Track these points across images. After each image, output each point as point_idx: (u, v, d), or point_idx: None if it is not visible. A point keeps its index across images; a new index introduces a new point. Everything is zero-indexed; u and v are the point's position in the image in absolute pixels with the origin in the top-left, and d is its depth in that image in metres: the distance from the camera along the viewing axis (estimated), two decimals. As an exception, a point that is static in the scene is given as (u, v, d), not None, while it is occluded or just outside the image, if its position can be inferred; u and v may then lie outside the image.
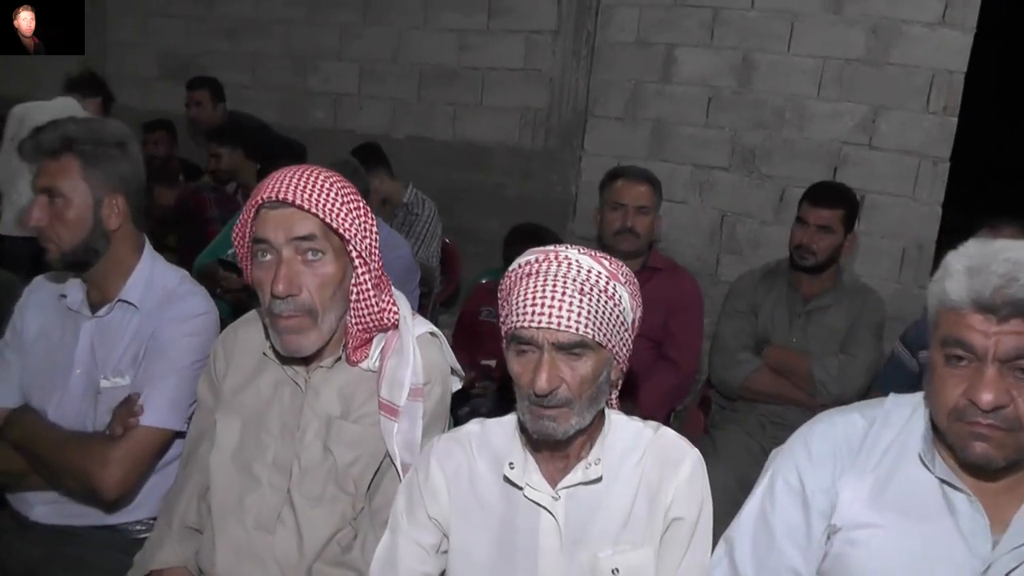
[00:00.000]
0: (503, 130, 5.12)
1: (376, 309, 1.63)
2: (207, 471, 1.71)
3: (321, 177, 1.58)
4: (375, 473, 1.65)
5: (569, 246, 1.49)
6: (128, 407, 1.84)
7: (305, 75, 5.59)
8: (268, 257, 1.55)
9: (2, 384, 1.98)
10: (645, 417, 2.81)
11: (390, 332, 1.67)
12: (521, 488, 1.49)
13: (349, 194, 1.59)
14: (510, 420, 1.58)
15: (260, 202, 1.54)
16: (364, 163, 3.91)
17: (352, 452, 1.64)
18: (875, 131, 4.49)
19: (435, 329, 1.73)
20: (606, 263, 1.47)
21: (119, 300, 1.92)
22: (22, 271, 2.87)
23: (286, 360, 1.66)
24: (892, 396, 1.53)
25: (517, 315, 1.41)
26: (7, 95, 6.51)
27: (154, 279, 1.95)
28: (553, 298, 1.39)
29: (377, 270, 1.64)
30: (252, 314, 1.81)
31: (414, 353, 1.63)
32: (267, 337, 1.66)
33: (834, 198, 3.02)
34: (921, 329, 2.94)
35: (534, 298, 1.40)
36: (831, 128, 4.55)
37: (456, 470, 1.56)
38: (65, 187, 1.82)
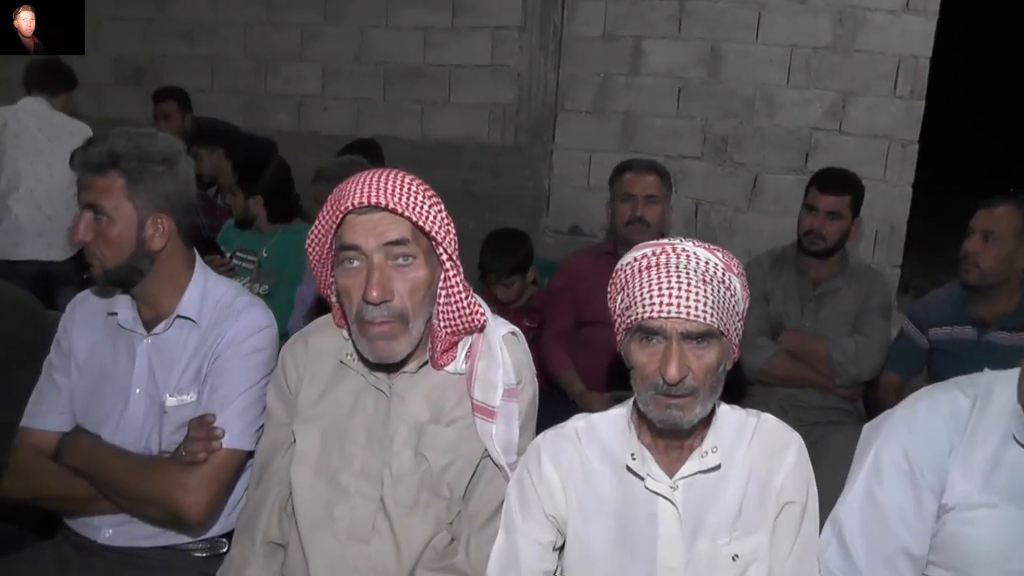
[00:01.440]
0: (472, 127, 5.09)
1: (468, 312, 1.61)
2: (285, 484, 1.68)
3: (406, 179, 1.56)
4: (471, 476, 1.65)
5: (683, 239, 1.52)
6: (207, 430, 1.80)
7: (266, 77, 5.50)
8: (356, 264, 1.53)
9: (53, 408, 1.92)
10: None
11: (474, 334, 1.66)
12: (643, 479, 1.52)
13: (432, 195, 1.58)
14: (618, 414, 1.61)
15: (349, 208, 1.51)
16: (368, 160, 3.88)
17: (447, 456, 1.62)
18: (844, 116, 4.56)
19: (515, 328, 1.72)
20: (719, 254, 1.50)
21: (177, 316, 1.87)
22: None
23: (368, 367, 1.64)
24: (987, 372, 1.53)
25: (643, 306, 1.43)
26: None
27: (209, 293, 1.90)
28: (680, 288, 1.42)
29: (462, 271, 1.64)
30: (321, 322, 1.79)
31: (502, 353, 1.63)
32: (352, 343, 1.63)
33: (842, 184, 3.06)
34: (929, 307, 3.00)
35: (660, 289, 1.43)
36: (801, 115, 4.60)
37: (570, 465, 1.58)
38: (108, 205, 1.78)
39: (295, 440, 1.68)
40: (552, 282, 3.39)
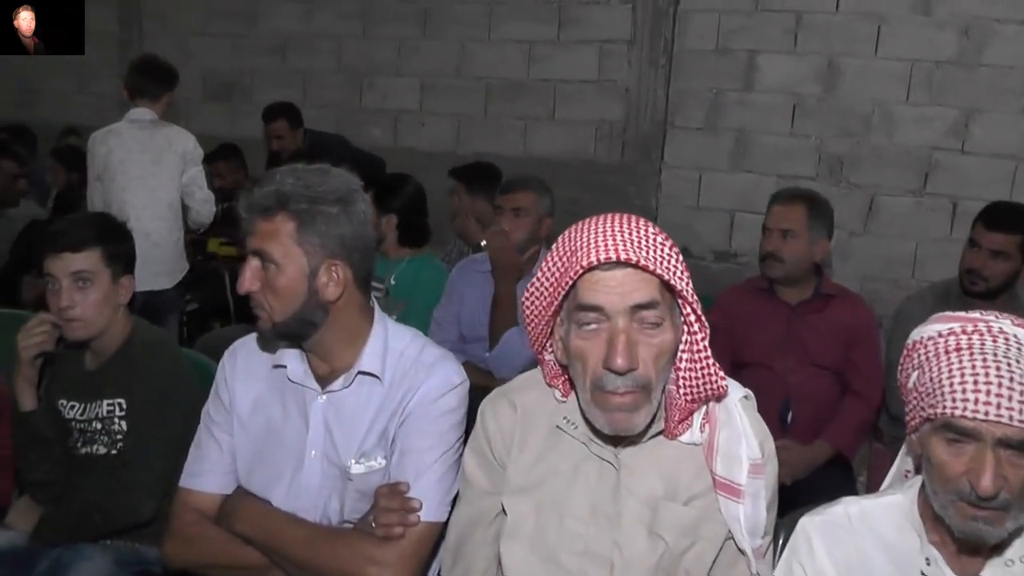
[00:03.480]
0: (577, 144, 5.01)
1: (712, 377, 1.43)
2: (490, 563, 1.54)
3: (649, 229, 1.39)
4: (712, 561, 1.48)
5: (997, 315, 1.36)
6: (401, 500, 1.63)
7: (361, 92, 5.47)
8: (595, 326, 1.36)
9: (215, 468, 1.77)
10: (840, 456, 2.72)
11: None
12: None
13: (673, 245, 1.41)
14: (894, 502, 1.46)
15: (594, 263, 1.33)
16: (485, 184, 3.75)
17: (687, 538, 1.44)
18: (967, 135, 4.42)
19: (748, 392, 1.54)
20: None
21: (358, 372, 1.69)
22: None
23: (595, 435, 1.48)
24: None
25: (953, 400, 1.28)
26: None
27: (390, 345, 1.72)
28: (1000, 385, 1.25)
29: None
30: (526, 380, 1.63)
31: (742, 422, 1.46)
32: (577, 408, 1.47)
33: (1012, 222, 2.86)
34: None
35: (975, 383, 1.26)
36: (921, 133, 4.48)
37: (846, 558, 1.43)
38: (276, 252, 1.60)
39: (505, 513, 1.53)
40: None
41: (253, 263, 1.62)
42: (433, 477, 1.65)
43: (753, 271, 3.26)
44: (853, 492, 2.63)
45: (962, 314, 1.37)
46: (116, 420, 2.11)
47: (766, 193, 4.68)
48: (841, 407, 2.81)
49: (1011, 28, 4.26)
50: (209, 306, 4.65)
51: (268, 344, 1.76)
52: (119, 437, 2.10)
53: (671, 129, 4.85)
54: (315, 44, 5.53)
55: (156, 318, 3.72)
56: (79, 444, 2.14)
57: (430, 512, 1.64)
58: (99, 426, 2.12)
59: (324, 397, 1.71)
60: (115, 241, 2.16)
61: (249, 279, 1.61)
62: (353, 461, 1.69)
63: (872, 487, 2.87)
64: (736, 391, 1.49)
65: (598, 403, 1.38)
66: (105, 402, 2.11)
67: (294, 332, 1.67)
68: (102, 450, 2.12)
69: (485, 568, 1.55)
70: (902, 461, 1.60)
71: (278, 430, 1.74)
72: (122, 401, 2.10)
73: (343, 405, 1.71)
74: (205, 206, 4.06)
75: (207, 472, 1.76)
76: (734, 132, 4.73)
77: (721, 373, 1.43)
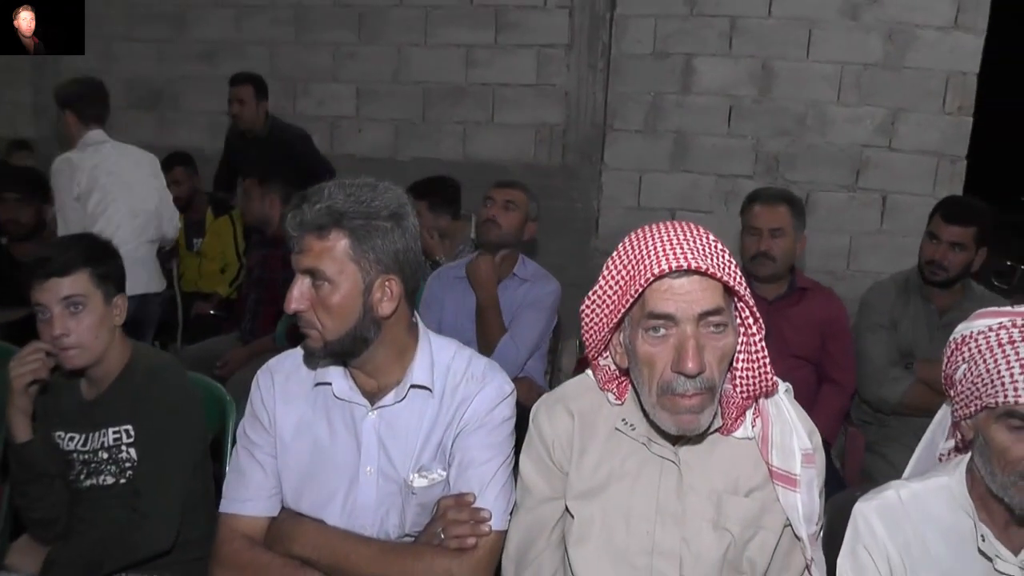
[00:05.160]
0: (517, 147, 5.05)
1: (769, 375, 1.49)
2: (555, 568, 1.57)
3: (710, 236, 1.44)
4: (773, 549, 1.53)
5: None
6: (470, 512, 1.63)
7: (295, 98, 5.39)
8: (663, 332, 1.40)
9: (260, 491, 1.72)
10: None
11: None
12: (991, 559, 1.47)
13: (726, 248, 1.46)
14: (940, 485, 1.55)
15: (665, 271, 1.36)
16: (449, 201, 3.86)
17: (750, 529, 1.50)
18: (894, 133, 4.62)
19: (788, 384, 1.60)
20: None
21: (411, 386, 1.68)
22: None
23: (658, 434, 1.52)
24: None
25: (1015, 389, 1.38)
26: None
27: (436, 358, 1.72)
28: None
29: None
30: (577, 386, 1.65)
31: (790, 415, 1.52)
32: (640, 411, 1.51)
33: (967, 216, 2.99)
34: None
35: None
36: (852, 132, 4.66)
37: (905, 537, 1.51)
38: (331, 269, 1.56)
39: (571, 516, 1.56)
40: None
41: (303, 282, 1.59)
42: (496, 487, 1.66)
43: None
44: (836, 474, 2.78)
45: (1007, 309, 1.48)
46: (124, 448, 2.02)
47: (705, 192, 4.84)
48: (820, 396, 2.95)
49: (931, 33, 4.47)
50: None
51: (311, 362, 1.72)
52: (128, 465, 2.01)
53: (611, 132, 4.92)
54: (247, 50, 5.42)
55: (137, 328, 3.60)
56: (82, 476, 2.04)
57: (497, 521, 1.64)
58: (105, 456, 2.02)
59: (375, 413, 1.69)
60: (103, 260, 2.06)
61: (297, 298, 1.58)
62: (414, 475, 1.68)
63: (849, 467, 3.01)
64: (779, 385, 1.56)
65: (665, 406, 1.42)
66: (111, 430, 2.02)
67: (347, 350, 1.64)
68: (110, 480, 2.02)
69: (552, 573, 1.58)
70: (930, 447, 1.72)
71: (326, 449, 1.71)
72: (129, 428, 2.01)
73: (395, 419, 1.69)
74: (173, 222, 4.10)
75: (253, 496, 1.72)
76: (673, 134, 4.83)
77: (773, 369, 1.50)
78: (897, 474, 2.71)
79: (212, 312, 4.69)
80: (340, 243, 1.56)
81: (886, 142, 4.61)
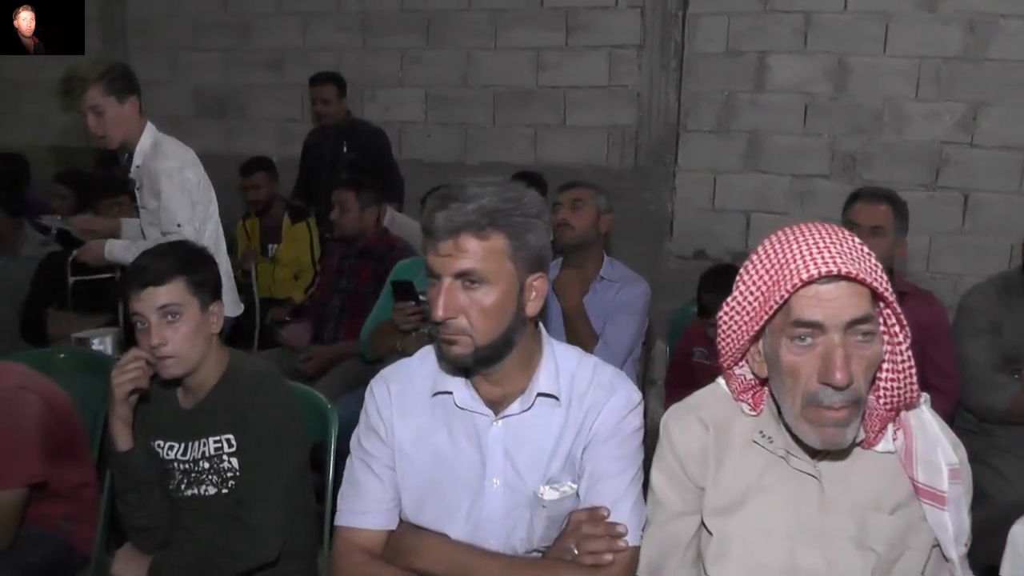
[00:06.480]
0: (589, 150, 5.03)
1: (914, 384, 1.43)
2: None
3: (855, 240, 1.38)
4: (922, 571, 1.47)
5: None
6: (606, 526, 1.58)
7: (363, 104, 5.40)
8: (809, 340, 1.33)
9: (378, 504, 1.68)
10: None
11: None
12: None
13: (871, 252, 1.39)
14: None
15: (814, 276, 1.30)
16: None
17: (896, 549, 1.43)
18: (976, 128, 4.51)
19: (926, 395, 1.52)
20: None
21: (537, 394, 1.62)
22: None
23: (802, 448, 1.45)
24: None
25: None
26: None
27: (561, 365, 1.65)
28: None
29: None
30: (706, 396, 1.60)
31: (932, 428, 1.46)
32: (781, 426, 1.46)
33: None
34: None
35: None
36: (931, 128, 4.56)
37: None
38: (489, 270, 1.51)
39: (710, 533, 1.51)
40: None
41: (453, 285, 1.53)
42: (629, 501, 1.60)
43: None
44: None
45: None
46: (225, 458, 2.02)
47: (780, 193, 4.79)
48: None
49: (1015, 23, 4.36)
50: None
51: (454, 371, 1.66)
52: (229, 475, 2.02)
53: (684, 132, 4.88)
54: (313, 57, 5.45)
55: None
56: (183, 486, 2.06)
57: (632, 537, 1.58)
58: (207, 465, 2.03)
59: (500, 423, 1.63)
60: (198, 268, 2.03)
61: (445, 305, 1.52)
62: (544, 487, 1.62)
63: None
64: (920, 395, 1.49)
65: (809, 419, 1.36)
66: (211, 439, 2.03)
67: (497, 354, 1.58)
68: (211, 491, 2.03)
69: None
70: None
71: (448, 460, 1.65)
72: (230, 437, 2.02)
73: (522, 429, 1.63)
74: None
75: (371, 509, 1.68)
76: (747, 133, 4.78)
77: (916, 379, 1.43)
78: (1009, 486, 2.69)
79: (288, 319, 4.73)
80: (499, 242, 1.52)
81: (967, 138, 4.50)
